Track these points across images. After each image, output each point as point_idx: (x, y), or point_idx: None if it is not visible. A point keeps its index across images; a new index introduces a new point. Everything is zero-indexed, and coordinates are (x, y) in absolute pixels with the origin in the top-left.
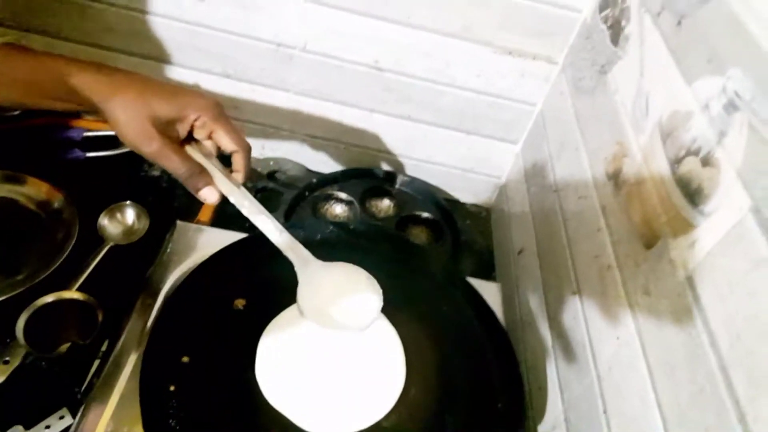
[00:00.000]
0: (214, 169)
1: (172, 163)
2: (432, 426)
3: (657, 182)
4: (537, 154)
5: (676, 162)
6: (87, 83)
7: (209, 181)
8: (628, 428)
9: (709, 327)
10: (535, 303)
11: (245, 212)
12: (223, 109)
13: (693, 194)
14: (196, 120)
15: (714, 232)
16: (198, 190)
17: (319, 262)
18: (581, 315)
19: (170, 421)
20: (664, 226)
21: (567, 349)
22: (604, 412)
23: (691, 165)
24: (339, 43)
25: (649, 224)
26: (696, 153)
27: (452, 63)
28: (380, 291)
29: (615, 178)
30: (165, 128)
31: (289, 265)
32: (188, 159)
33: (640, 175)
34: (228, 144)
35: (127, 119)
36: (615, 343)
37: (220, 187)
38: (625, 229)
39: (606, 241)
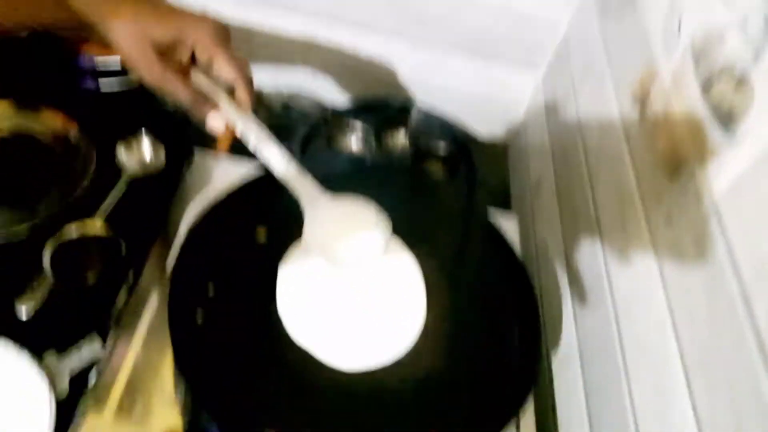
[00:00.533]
0: (220, 94)
1: (174, 88)
2: (449, 354)
3: (686, 107)
4: (559, 84)
5: (707, 85)
6: (85, 3)
7: (215, 108)
8: (643, 358)
9: (734, 257)
10: (551, 237)
11: (251, 143)
12: (228, 34)
13: (724, 118)
14: (196, 44)
15: (743, 158)
16: (203, 117)
17: (328, 196)
18: (599, 247)
19: (198, 347)
20: (691, 153)
21: (583, 282)
22: (620, 342)
23: (723, 87)
24: None
25: (676, 152)
26: (729, 74)
27: None
28: (388, 227)
29: (641, 104)
30: (166, 53)
31: None
32: (191, 85)
33: (668, 100)
34: (228, 72)
35: (127, 44)
36: (633, 275)
37: (226, 114)
38: (650, 159)
39: (628, 172)
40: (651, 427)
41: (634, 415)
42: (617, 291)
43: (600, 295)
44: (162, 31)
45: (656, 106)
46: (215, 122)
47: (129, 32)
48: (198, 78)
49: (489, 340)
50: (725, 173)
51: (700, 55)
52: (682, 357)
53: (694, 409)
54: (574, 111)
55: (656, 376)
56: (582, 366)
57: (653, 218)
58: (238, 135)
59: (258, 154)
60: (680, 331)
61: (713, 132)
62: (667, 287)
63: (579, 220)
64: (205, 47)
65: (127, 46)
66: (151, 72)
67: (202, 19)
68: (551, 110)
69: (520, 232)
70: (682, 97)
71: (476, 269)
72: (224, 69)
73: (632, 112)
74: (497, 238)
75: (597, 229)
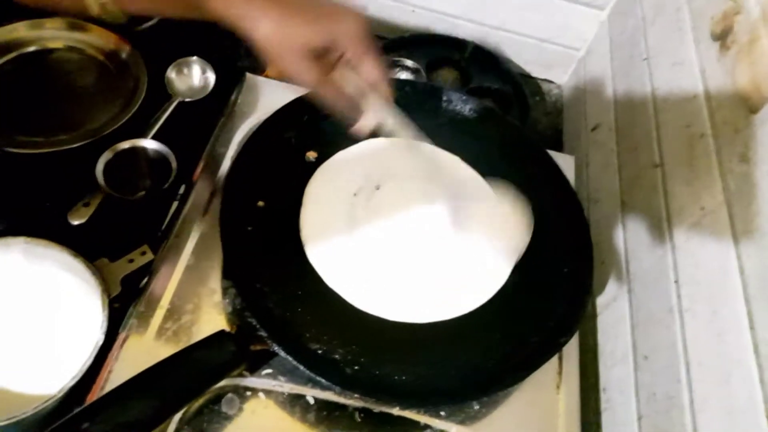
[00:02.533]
0: (371, 94)
1: (329, 93)
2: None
3: None
4: (627, 20)
5: None
6: (225, 5)
7: (365, 107)
8: (701, 296)
9: None
10: (606, 179)
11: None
12: (370, 30)
13: None
14: (347, 47)
15: None
16: (355, 117)
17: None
18: (660, 187)
19: (248, 256)
20: None
21: (639, 222)
22: (675, 281)
23: None
24: None
25: (758, 85)
26: None
27: None
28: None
29: (722, 38)
30: (318, 56)
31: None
32: (342, 87)
33: (754, 33)
34: (375, 74)
35: (277, 50)
36: (698, 213)
37: (375, 111)
38: (727, 94)
39: (702, 108)
40: (705, 362)
41: (686, 349)
42: (677, 228)
43: (658, 235)
44: (313, 36)
45: (740, 40)
46: (367, 122)
47: (279, 38)
48: (348, 77)
49: (540, 272)
50: None
51: None
52: (745, 289)
53: (756, 344)
54: (642, 47)
55: (713, 310)
56: (630, 304)
57: (726, 154)
58: (385, 129)
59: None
60: (745, 266)
61: None
62: (735, 223)
63: (640, 160)
64: (356, 49)
65: (277, 53)
66: (304, 78)
67: (351, 17)
68: (616, 48)
69: (574, 173)
70: None
71: (531, 200)
72: (373, 71)
73: (710, 48)
74: (553, 170)
75: (660, 168)
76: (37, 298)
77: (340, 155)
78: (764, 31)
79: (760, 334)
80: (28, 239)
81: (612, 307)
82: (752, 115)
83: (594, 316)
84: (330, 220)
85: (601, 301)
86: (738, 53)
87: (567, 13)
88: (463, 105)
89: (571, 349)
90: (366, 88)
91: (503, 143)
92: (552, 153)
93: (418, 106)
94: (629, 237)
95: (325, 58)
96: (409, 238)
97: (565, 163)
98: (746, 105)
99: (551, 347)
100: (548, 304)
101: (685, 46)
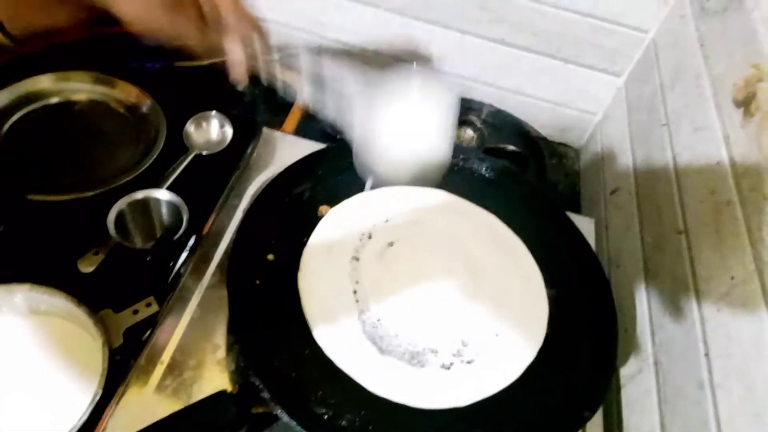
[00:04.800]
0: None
1: (185, 32)
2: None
3: None
4: (644, 86)
5: None
6: None
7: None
8: (734, 371)
9: None
10: (627, 243)
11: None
12: None
13: None
14: None
15: None
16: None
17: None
18: (686, 254)
19: (254, 311)
20: None
21: (664, 290)
22: (706, 354)
23: None
24: None
25: None
26: None
27: None
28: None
29: (746, 105)
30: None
31: None
32: (203, 29)
33: None
34: (234, 19)
35: (131, 8)
36: (728, 282)
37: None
38: (753, 161)
39: (727, 175)
40: None
41: (719, 430)
42: (706, 298)
43: (685, 304)
44: None
45: (764, 107)
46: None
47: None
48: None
49: (561, 341)
50: None
51: None
52: None
53: None
54: (662, 113)
55: (749, 386)
56: (657, 377)
57: (755, 222)
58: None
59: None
60: None
61: None
62: None
63: (662, 224)
64: None
65: (131, 10)
66: (159, 25)
67: None
68: (634, 113)
69: (595, 236)
70: None
71: (552, 269)
72: (230, 16)
73: (733, 114)
74: (573, 233)
75: (684, 234)
76: (39, 347)
77: (341, 209)
78: None
79: None
80: (33, 286)
81: (637, 380)
82: None
83: (618, 388)
84: (333, 293)
85: (625, 372)
86: (763, 120)
87: (583, 79)
88: (479, 163)
89: (595, 425)
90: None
91: (521, 203)
92: (571, 215)
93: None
94: (654, 305)
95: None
96: (422, 309)
97: (585, 225)
98: None
99: (574, 422)
100: (570, 375)
101: (706, 112)
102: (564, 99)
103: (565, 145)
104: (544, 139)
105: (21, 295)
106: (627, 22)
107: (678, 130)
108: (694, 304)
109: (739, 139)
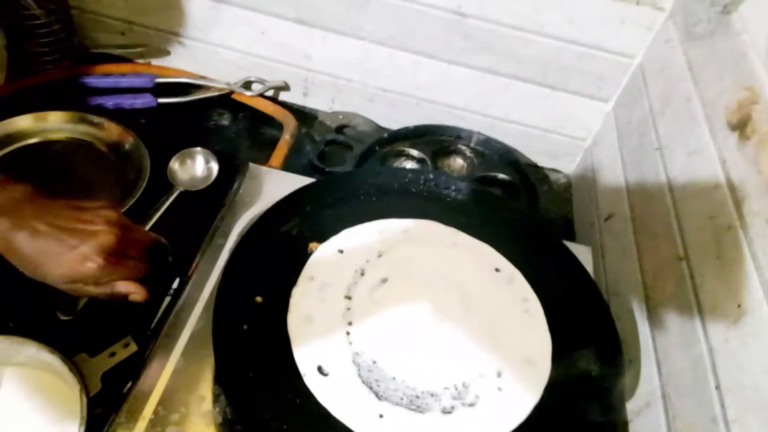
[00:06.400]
0: None
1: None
2: None
3: None
4: (633, 111)
5: None
6: None
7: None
8: (749, 404)
9: None
10: (626, 271)
11: None
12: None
13: None
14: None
15: None
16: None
17: None
18: (688, 282)
19: (242, 359)
20: None
21: (668, 319)
22: (717, 387)
23: None
24: None
25: None
26: None
27: (542, 8)
28: None
29: (741, 127)
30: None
31: (365, 209)
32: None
33: None
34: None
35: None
36: (736, 311)
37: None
38: (753, 184)
39: (726, 199)
40: None
41: None
42: (712, 327)
43: (691, 334)
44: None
45: (760, 129)
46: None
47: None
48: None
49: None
50: None
51: None
52: None
53: None
54: (653, 137)
55: (766, 421)
56: (666, 412)
57: (759, 247)
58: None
59: None
60: None
61: None
62: None
63: (661, 251)
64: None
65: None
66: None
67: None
68: (624, 138)
69: (593, 264)
70: None
71: (550, 295)
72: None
73: (728, 137)
74: (571, 262)
75: (685, 260)
76: (13, 400)
77: (331, 244)
78: None
79: None
80: (1, 337)
81: (645, 414)
82: None
83: (625, 423)
84: (325, 336)
85: (632, 407)
86: (760, 142)
87: (571, 105)
88: (470, 193)
89: None
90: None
91: (516, 233)
92: (568, 244)
93: (427, 193)
94: (658, 335)
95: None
96: (419, 350)
97: (582, 254)
98: None
99: None
100: (578, 414)
101: (700, 135)
102: (552, 125)
103: (555, 170)
104: (534, 165)
105: None
106: (612, 48)
107: (672, 155)
108: (701, 334)
109: (737, 163)
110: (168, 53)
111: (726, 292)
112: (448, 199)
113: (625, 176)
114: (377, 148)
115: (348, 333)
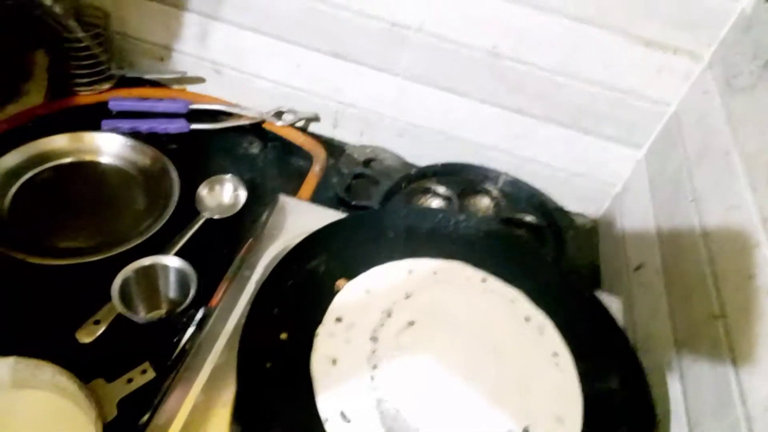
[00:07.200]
0: None
1: None
2: None
3: None
4: (667, 160)
5: None
6: None
7: None
8: None
9: None
10: (656, 327)
11: None
12: None
13: None
14: None
15: None
16: None
17: None
18: (725, 343)
19: (264, 398)
20: None
21: (701, 381)
22: None
23: None
24: (457, 25)
25: None
26: None
27: (578, 52)
28: None
29: None
30: None
31: (394, 248)
32: None
33: None
34: None
35: None
36: None
37: None
38: None
39: (766, 261)
40: None
41: None
42: (750, 393)
43: (727, 398)
44: None
45: None
46: None
47: None
48: None
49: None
50: None
51: None
52: None
53: None
54: (688, 189)
55: None
56: None
57: None
58: None
59: None
60: None
61: None
62: None
63: (695, 308)
64: None
65: None
66: None
67: None
68: (657, 187)
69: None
70: None
71: (581, 348)
72: None
73: None
74: (604, 316)
75: (722, 319)
76: (27, 425)
77: (359, 282)
78: None
79: None
80: (19, 359)
81: None
82: None
83: None
84: (349, 379)
85: None
86: None
87: (601, 150)
88: (501, 237)
89: None
90: None
91: (544, 279)
92: (599, 294)
93: (457, 235)
94: (690, 397)
95: None
96: (445, 400)
97: (613, 305)
98: None
99: None
100: None
101: (739, 191)
102: (581, 169)
103: (582, 215)
104: (561, 209)
105: (4, 369)
106: (647, 96)
107: (708, 208)
108: (737, 401)
109: None
110: (203, 80)
111: (766, 357)
112: (478, 242)
113: (657, 226)
114: (404, 184)
115: (372, 378)
